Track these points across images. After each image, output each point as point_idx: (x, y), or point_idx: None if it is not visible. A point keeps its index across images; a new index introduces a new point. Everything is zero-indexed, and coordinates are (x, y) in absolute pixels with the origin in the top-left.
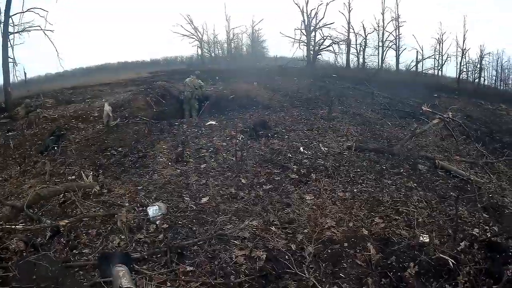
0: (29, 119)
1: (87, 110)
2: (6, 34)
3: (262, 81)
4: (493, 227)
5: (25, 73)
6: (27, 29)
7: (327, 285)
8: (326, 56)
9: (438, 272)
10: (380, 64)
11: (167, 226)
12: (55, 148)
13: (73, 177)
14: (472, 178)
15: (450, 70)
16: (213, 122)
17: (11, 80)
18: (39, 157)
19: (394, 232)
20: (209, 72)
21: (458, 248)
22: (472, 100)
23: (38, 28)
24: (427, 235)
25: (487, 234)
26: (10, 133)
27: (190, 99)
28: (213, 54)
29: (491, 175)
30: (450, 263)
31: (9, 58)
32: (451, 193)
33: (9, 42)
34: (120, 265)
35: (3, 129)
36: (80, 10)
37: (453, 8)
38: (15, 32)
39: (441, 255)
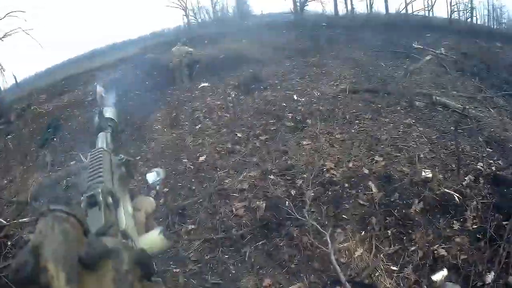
0: (23, 118)
1: (81, 97)
2: None
3: (251, 38)
4: (498, 161)
5: (14, 77)
6: (8, 33)
7: (330, 228)
8: (314, 7)
9: (445, 207)
10: (369, 9)
11: (167, 189)
12: (54, 139)
13: (74, 162)
14: (471, 112)
15: (441, 11)
16: (205, 84)
17: (1, 86)
18: (39, 151)
19: (395, 169)
20: (198, 37)
21: (463, 183)
22: (466, 39)
23: (19, 30)
24: (430, 171)
25: (492, 168)
26: (8, 137)
27: (179, 67)
28: (199, 20)
29: (491, 110)
30: (456, 198)
31: None
32: (451, 127)
33: None
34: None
35: (1, 135)
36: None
37: None
38: None
39: (446, 190)
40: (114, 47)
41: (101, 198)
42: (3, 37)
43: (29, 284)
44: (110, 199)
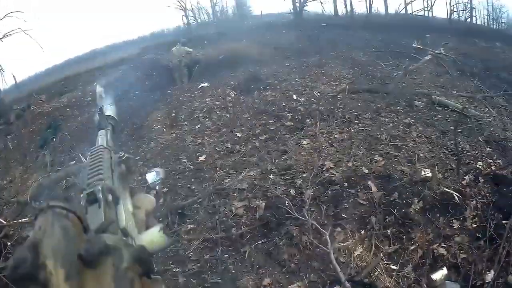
0: (23, 119)
1: (81, 97)
2: None
3: (251, 38)
4: (497, 161)
5: (14, 77)
6: (7, 34)
7: (330, 227)
8: (313, 7)
9: (444, 207)
10: (368, 9)
11: (167, 189)
12: (54, 139)
13: (74, 162)
14: (470, 111)
15: (441, 12)
16: (205, 84)
17: (1, 87)
18: (39, 152)
19: (395, 169)
20: (197, 38)
21: (462, 182)
22: (466, 39)
23: (18, 30)
24: (429, 170)
25: (492, 167)
26: (8, 137)
27: (178, 67)
28: (199, 20)
29: (491, 110)
30: (456, 198)
31: None
32: (451, 127)
33: None
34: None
35: (1, 135)
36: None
37: None
38: None
39: (445, 189)
40: (114, 47)
41: (101, 195)
42: (2, 38)
43: (27, 281)
44: (110, 197)
